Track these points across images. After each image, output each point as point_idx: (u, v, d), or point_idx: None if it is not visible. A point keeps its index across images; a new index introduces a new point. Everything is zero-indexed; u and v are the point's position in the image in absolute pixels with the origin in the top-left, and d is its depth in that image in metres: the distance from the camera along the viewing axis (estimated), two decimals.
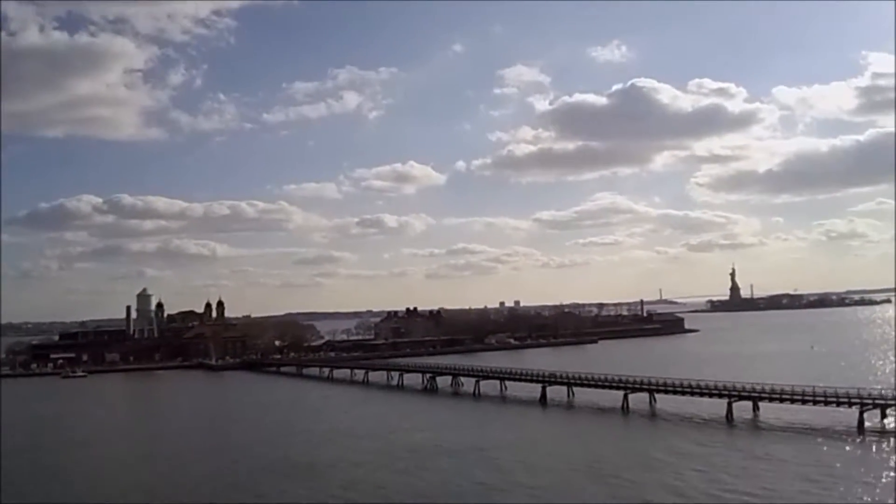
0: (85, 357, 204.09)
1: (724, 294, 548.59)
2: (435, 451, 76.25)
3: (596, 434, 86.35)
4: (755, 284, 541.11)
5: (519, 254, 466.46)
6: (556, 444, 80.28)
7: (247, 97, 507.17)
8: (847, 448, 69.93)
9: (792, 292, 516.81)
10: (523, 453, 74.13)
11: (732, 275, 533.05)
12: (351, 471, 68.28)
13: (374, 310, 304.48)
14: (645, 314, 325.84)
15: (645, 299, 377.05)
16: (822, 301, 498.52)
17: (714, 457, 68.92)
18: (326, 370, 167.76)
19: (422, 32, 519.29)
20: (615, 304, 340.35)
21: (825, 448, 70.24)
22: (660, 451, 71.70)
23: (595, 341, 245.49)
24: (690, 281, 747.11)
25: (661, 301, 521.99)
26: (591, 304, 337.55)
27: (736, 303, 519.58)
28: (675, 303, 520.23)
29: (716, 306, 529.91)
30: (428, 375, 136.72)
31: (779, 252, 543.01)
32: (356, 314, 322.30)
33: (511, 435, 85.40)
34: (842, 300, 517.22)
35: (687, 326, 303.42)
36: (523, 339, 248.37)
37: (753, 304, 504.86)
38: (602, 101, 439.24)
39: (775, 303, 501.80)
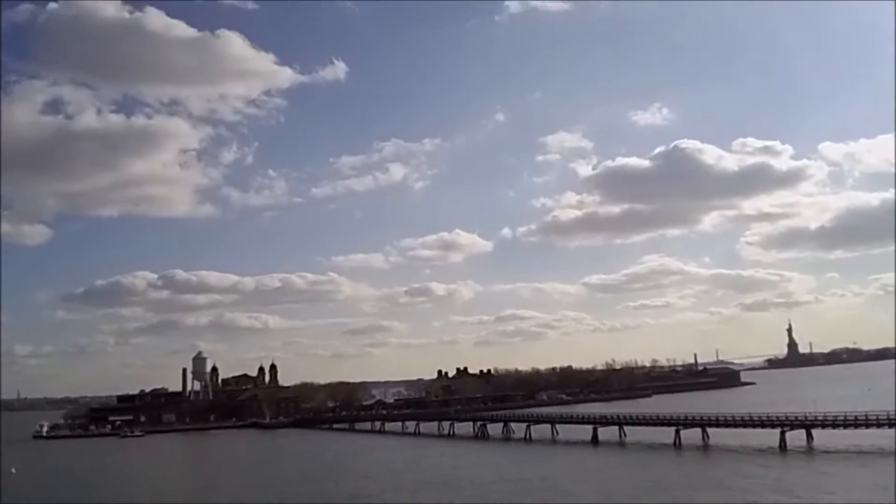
0: (142, 418, 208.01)
1: (781, 353, 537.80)
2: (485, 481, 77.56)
3: (647, 463, 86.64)
4: (813, 341, 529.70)
5: (569, 318, 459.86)
6: (607, 470, 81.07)
7: (295, 172, 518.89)
8: None
9: (851, 346, 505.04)
10: (575, 480, 75.22)
11: (789, 331, 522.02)
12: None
13: (425, 378, 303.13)
14: (699, 368, 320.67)
15: (700, 361, 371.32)
16: (883, 354, 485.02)
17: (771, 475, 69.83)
18: (378, 424, 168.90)
19: (464, 103, 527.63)
20: (669, 361, 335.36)
21: (881, 465, 70.20)
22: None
23: (649, 395, 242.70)
24: (746, 341, 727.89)
25: (717, 363, 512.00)
26: (644, 364, 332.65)
27: (794, 359, 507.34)
28: (732, 363, 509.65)
29: (773, 363, 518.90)
30: (479, 424, 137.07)
31: (836, 308, 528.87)
32: (407, 382, 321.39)
33: (561, 468, 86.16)
34: None
35: (743, 380, 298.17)
36: (575, 395, 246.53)
37: (812, 360, 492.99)
38: (645, 163, 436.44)
39: (835, 357, 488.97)
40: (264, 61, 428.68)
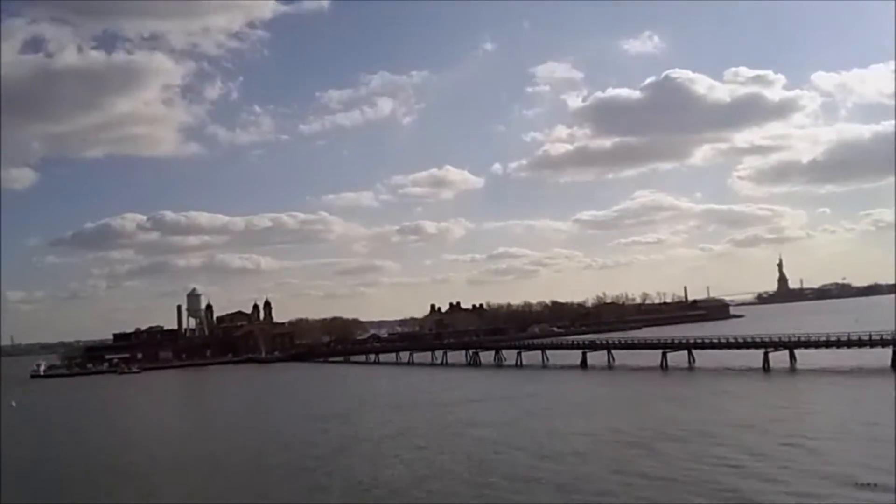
0: (139, 356, 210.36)
1: (771, 289, 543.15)
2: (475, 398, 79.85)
3: (638, 381, 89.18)
4: (804, 278, 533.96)
5: (561, 256, 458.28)
6: (595, 388, 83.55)
7: (282, 108, 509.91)
8: (880, 380, 71.81)
9: (841, 281, 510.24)
10: (561, 396, 77.56)
11: (780, 266, 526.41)
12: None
13: (418, 316, 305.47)
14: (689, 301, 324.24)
15: (691, 298, 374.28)
16: (873, 290, 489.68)
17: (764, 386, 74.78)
18: (373, 356, 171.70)
19: (452, 33, 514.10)
20: (660, 296, 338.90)
21: (860, 381, 73.11)
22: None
23: (639, 328, 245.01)
24: (737, 277, 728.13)
25: (708, 299, 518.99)
26: (635, 298, 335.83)
27: (784, 294, 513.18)
28: (723, 300, 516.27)
29: (764, 299, 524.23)
30: (471, 351, 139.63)
31: (827, 244, 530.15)
32: (400, 321, 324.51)
33: (549, 387, 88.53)
34: (892, 288, 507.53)
35: (733, 313, 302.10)
36: (567, 327, 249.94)
37: (802, 296, 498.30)
38: (636, 94, 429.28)
39: (824, 293, 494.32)
40: None
